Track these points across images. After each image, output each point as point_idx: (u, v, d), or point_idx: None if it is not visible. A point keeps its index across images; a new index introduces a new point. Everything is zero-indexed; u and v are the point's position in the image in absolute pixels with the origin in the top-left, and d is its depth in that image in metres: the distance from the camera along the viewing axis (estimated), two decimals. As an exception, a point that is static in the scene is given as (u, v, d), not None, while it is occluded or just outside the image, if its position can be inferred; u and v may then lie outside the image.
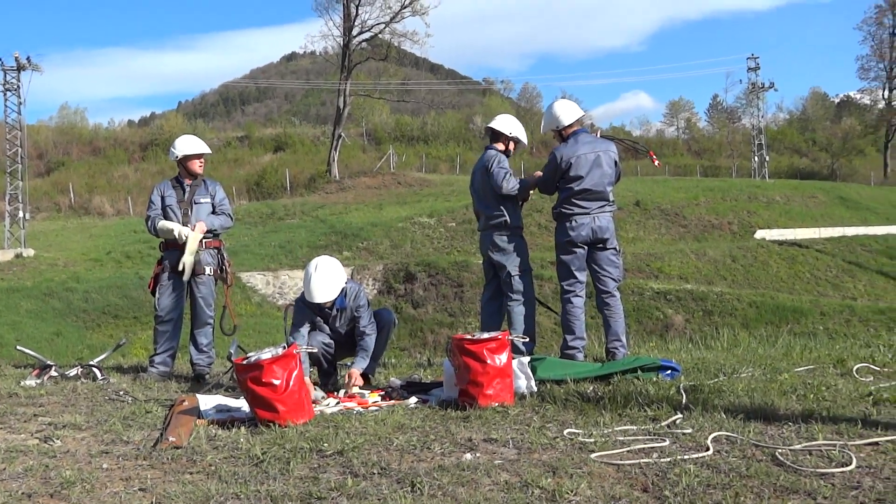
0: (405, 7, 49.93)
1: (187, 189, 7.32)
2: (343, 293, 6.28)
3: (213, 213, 7.35)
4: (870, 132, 73.55)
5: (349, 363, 6.54)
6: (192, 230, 7.09)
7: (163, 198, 7.29)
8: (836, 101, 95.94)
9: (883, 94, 71.92)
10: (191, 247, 7.05)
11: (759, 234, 43.89)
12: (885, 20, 69.59)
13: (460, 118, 76.63)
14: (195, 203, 7.28)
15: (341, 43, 51.34)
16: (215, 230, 7.32)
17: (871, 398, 4.82)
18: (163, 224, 7.15)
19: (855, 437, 3.97)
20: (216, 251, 7.38)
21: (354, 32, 50.63)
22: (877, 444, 3.84)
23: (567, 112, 6.85)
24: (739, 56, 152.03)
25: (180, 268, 7.06)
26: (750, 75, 69.66)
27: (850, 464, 3.51)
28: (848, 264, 40.56)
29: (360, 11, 50.26)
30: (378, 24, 50.85)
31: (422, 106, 71.07)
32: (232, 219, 7.50)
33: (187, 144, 7.33)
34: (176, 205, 7.25)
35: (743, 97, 78.45)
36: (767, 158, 66.77)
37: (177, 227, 7.09)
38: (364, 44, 52.69)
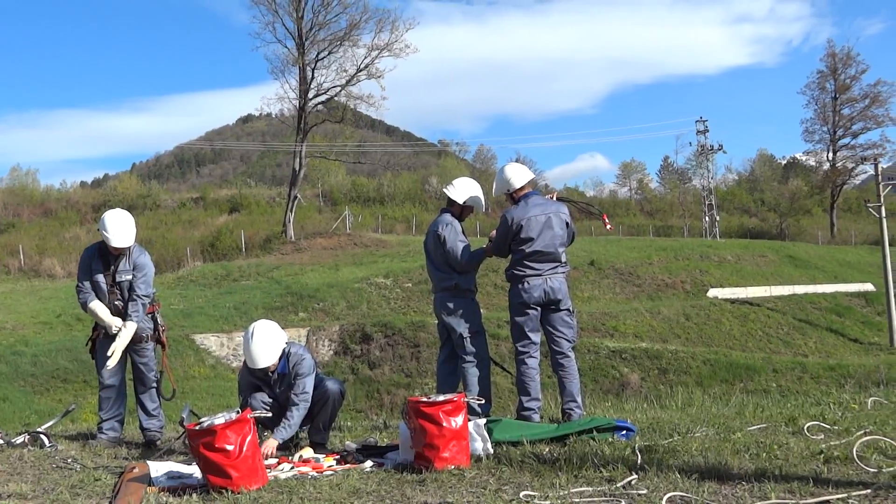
0: (361, 70, 50.52)
1: (112, 260, 7.01)
2: (286, 358, 6.21)
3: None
4: (816, 193, 75.27)
5: (304, 427, 6.47)
6: (123, 327, 6.87)
7: (90, 269, 7.04)
8: (783, 162, 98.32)
9: (827, 156, 73.84)
10: (120, 345, 6.88)
11: (712, 292, 44.46)
12: (827, 85, 71.76)
13: (416, 179, 77.14)
14: (118, 278, 6.97)
15: (297, 105, 51.66)
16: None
17: (823, 456, 4.88)
18: (93, 309, 6.90)
19: (807, 495, 4.02)
20: (150, 316, 7.25)
21: (310, 95, 51.04)
22: (828, 502, 3.89)
23: (518, 175, 6.96)
24: (689, 119, 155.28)
25: (109, 353, 6.86)
26: (699, 137, 71.34)
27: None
28: (798, 322, 41.19)
29: (315, 75, 50.78)
30: (334, 86, 51.37)
31: (378, 167, 71.46)
32: (147, 296, 7.04)
33: (113, 236, 6.84)
34: (102, 278, 6.96)
35: (693, 159, 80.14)
36: (718, 218, 67.99)
37: (107, 319, 6.85)
38: (320, 106, 53.09)
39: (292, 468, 5.49)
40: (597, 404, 8.66)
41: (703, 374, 32.54)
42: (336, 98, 52.36)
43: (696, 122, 71.61)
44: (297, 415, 6.07)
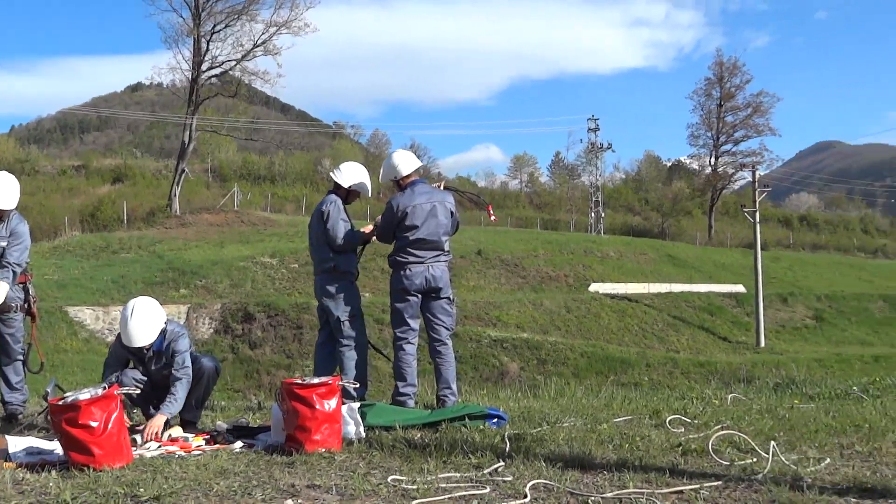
0: (257, 46, 49.52)
1: None
2: (162, 335, 6.09)
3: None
4: (697, 195, 77.94)
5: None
6: None
7: None
8: (669, 164, 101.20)
9: (710, 161, 76.47)
10: None
11: (593, 287, 45.53)
12: (713, 92, 74.30)
13: (309, 160, 76.29)
14: None
15: (190, 77, 50.27)
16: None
17: (681, 448, 5.08)
18: None
19: (662, 485, 4.17)
20: (22, 286, 6.97)
21: (204, 67, 49.75)
22: (681, 492, 4.05)
23: (405, 162, 6.99)
24: (581, 116, 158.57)
25: None
26: (590, 135, 72.94)
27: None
28: (673, 319, 42.62)
29: (210, 47, 49.51)
30: (229, 60, 50.21)
31: (270, 145, 70.19)
32: (19, 265, 6.72)
33: None
34: None
35: (583, 156, 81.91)
36: (603, 215, 69.68)
37: None
38: (214, 79, 51.84)
39: (159, 447, 5.40)
40: (473, 392, 8.78)
41: (580, 365, 33.36)
42: (230, 72, 51.22)
43: (588, 119, 73.30)
44: (181, 389, 5.97)
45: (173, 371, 6.03)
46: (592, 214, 69.83)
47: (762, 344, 40.41)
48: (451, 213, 6.90)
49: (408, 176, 6.93)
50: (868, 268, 66.10)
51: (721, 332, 42.62)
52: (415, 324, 6.82)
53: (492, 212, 7.67)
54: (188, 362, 6.10)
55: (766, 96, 73.16)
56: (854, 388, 8.19)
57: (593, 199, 70.67)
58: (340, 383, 5.50)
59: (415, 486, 4.17)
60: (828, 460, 4.68)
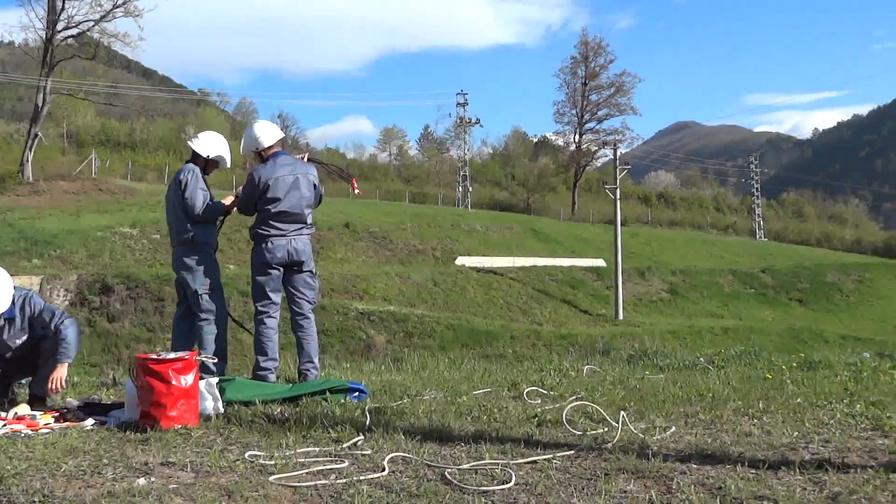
0: (117, 7, 47.38)
1: None
2: (12, 303, 5.81)
3: None
4: (562, 171, 79.75)
5: (23, 382, 6.09)
6: None
7: None
8: (535, 140, 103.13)
9: (574, 138, 78.28)
10: None
11: (460, 260, 46.06)
12: (578, 71, 76.00)
13: (172, 127, 73.95)
14: None
15: (44, 37, 47.68)
16: None
17: (537, 419, 5.22)
18: None
19: (518, 456, 4.28)
20: None
21: (59, 27, 47.24)
22: (535, 462, 4.17)
23: (266, 133, 6.85)
24: (450, 91, 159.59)
25: None
26: (459, 110, 73.37)
27: (510, 481, 3.78)
28: (537, 292, 43.58)
29: (66, 6, 47.00)
30: (87, 21, 47.81)
31: (131, 111, 67.53)
32: None
33: None
34: None
35: (452, 130, 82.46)
36: (471, 189, 70.39)
37: None
38: (70, 40, 49.33)
39: (4, 426, 5.16)
40: (337, 366, 8.76)
41: (446, 338, 33.73)
42: (88, 33, 48.88)
43: (457, 94, 73.65)
44: (69, 332, 5.74)
45: (52, 326, 5.78)
46: (460, 188, 70.46)
47: (621, 316, 41.83)
48: (315, 185, 6.83)
49: (270, 147, 6.80)
50: (719, 244, 69.30)
51: (582, 305, 43.87)
52: (276, 297, 6.73)
53: (356, 185, 7.63)
54: (57, 310, 5.88)
55: (628, 76, 75.42)
56: (701, 359, 8.60)
57: (461, 173, 71.28)
58: (198, 358, 5.39)
59: (272, 462, 4.14)
60: (673, 428, 4.91)
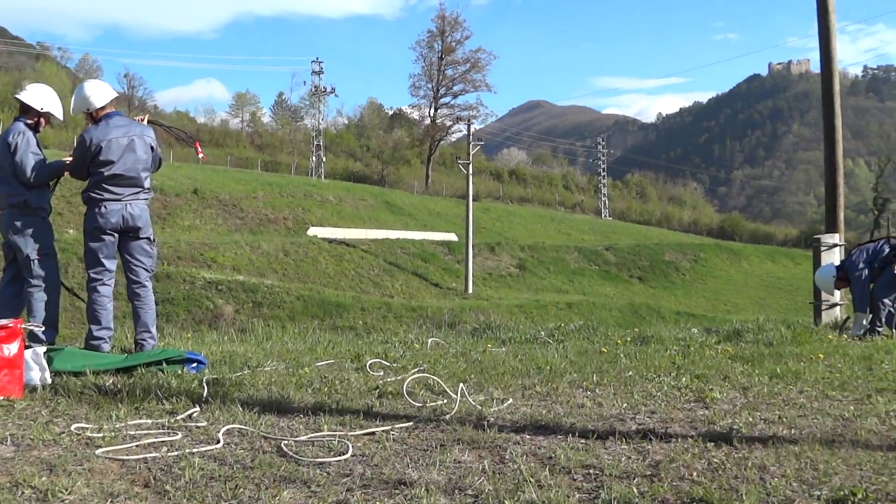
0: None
1: None
2: None
3: None
4: (416, 145, 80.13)
5: None
6: None
7: None
8: (391, 112, 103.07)
9: (429, 112, 78.70)
10: None
11: (312, 230, 45.66)
12: (435, 45, 76.37)
13: (7, 82, 69.62)
14: None
15: None
16: None
17: (378, 391, 5.24)
18: None
19: (356, 427, 4.28)
20: None
21: None
22: (373, 433, 4.18)
23: (98, 93, 6.52)
24: (306, 58, 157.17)
25: None
26: (314, 78, 72.40)
27: (347, 452, 3.78)
28: (389, 265, 43.75)
29: None
30: None
31: (-41, 62, 63.22)
32: None
33: None
34: None
35: (307, 98, 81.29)
36: (325, 159, 69.74)
37: None
38: None
39: None
40: (178, 336, 8.52)
41: (297, 309, 33.44)
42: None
43: (313, 62, 72.65)
44: None
45: None
46: (314, 158, 69.66)
47: (470, 290, 42.54)
48: (152, 147, 6.55)
49: (102, 108, 6.47)
50: (567, 221, 71.41)
51: (433, 278, 44.34)
52: (111, 264, 6.45)
53: (200, 149, 7.37)
54: None
55: (483, 53, 76.38)
56: (542, 333, 8.84)
57: (315, 142, 70.46)
58: (23, 326, 5.12)
59: (101, 434, 3.99)
60: (510, 400, 5.03)
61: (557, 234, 62.92)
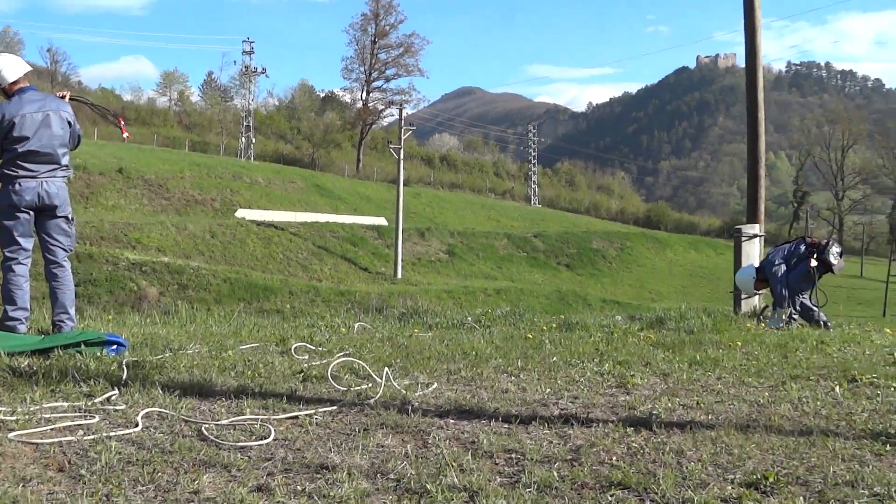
0: None
1: None
2: None
3: None
4: (348, 128, 79.67)
5: None
6: None
7: None
8: (322, 95, 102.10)
9: (361, 96, 78.27)
10: None
11: (240, 212, 45.11)
12: (368, 28, 75.86)
13: (-81, 52, 67.11)
14: None
15: None
16: None
17: (302, 375, 5.20)
18: None
19: (280, 411, 4.25)
20: None
21: None
22: (297, 417, 4.15)
23: (10, 67, 6.30)
24: (236, 37, 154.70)
25: None
26: (245, 58, 71.38)
27: (269, 436, 3.75)
28: (318, 248, 43.48)
29: None
30: None
31: None
32: None
33: None
34: None
35: (237, 78, 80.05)
36: (254, 140, 68.88)
37: None
38: None
39: None
40: (99, 317, 8.33)
41: (223, 291, 33.04)
42: None
43: (244, 42, 71.65)
44: None
45: None
46: (243, 139, 68.73)
47: (399, 275, 42.54)
48: (69, 123, 6.36)
49: (15, 82, 6.25)
50: (497, 208, 71.82)
51: (362, 262, 44.21)
52: (27, 243, 6.25)
53: (124, 128, 7.20)
54: None
55: (417, 38, 76.23)
56: (469, 318, 8.87)
57: (245, 123, 69.49)
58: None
59: (14, 417, 3.88)
60: (435, 385, 5.04)
61: (487, 220, 63.24)
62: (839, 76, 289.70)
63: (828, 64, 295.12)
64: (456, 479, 3.14)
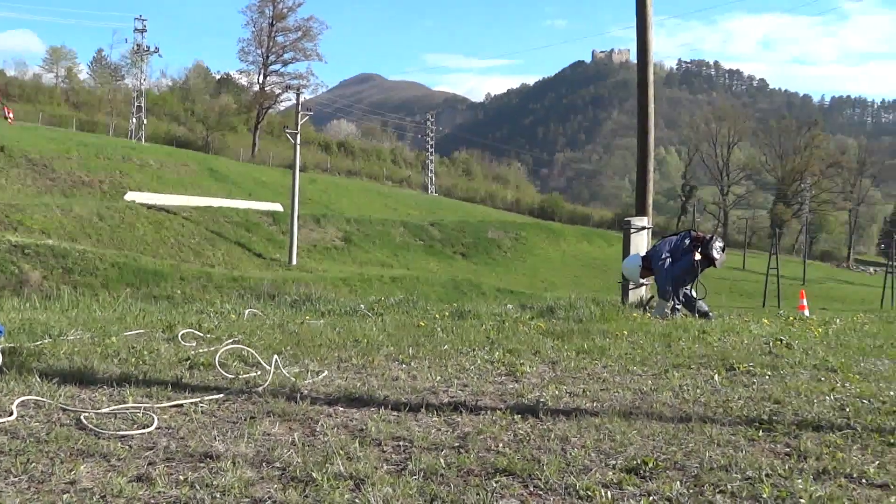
0: None
1: None
2: None
3: None
4: (244, 112, 78.20)
5: None
6: None
7: None
8: (218, 77, 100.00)
9: (258, 79, 76.94)
10: None
11: (130, 195, 43.82)
12: (266, 10, 74.59)
13: None
14: None
15: None
16: None
17: (189, 362, 5.10)
18: None
19: (164, 399, 4.16)
20: None
21: None
22: (181, 405, 4.07)
23: None
24: (128, 14, 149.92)
25: None
26: (137, 36, 69.23)
27: (152, 425, 3.66)
28: (211, 233, 42.62)
29: None
30: None
31: None
32: None
33: None
34: None
35: (128, 57, 77.65)
36: (146, 121, 66.98)
37: None
38: None
39: None
40: (-26, 302, 7.99)
41: (111, 276, 32.07)
42: None
43: (136, 19, 69.45)
44: None
45: None
46: (134, 120, 66.73)
47: (294, 262, 42.07)
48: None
49: None
50: (394, 196, 71.73)
51: (257, 248, 43.55)
52: None
53: (9, 109, 6.88)
54: None
55: (315, 22, 75.51)
56: (362, 305, 8.85)
57: (136, 103, 67.44)
58: None
59: None
60: (325, 373, 5.01)
61: (384, 208, 63.11)
62: (727, 75, 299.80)
63: (717, 63, 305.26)
64: (343, 467, 3.13)
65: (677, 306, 9.41)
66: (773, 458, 3.43)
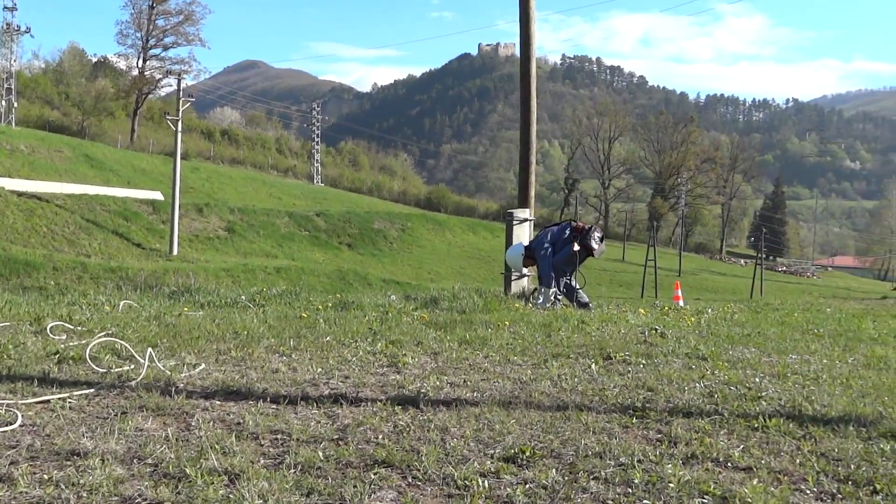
0: None
1: None
2: None
3: None
4: (122, 96, 75.61)
5: None
6: None
7: None
8: (94, 60, 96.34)
9: (137, 63, 74.51)
10: None
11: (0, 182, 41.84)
12: (146, -8, 72.17)
13: None
14: None
15: None
16: None
17: (57, 356, 4.91)
18: None
19: (29, 395, 3.99)
20: None
21: None
22: (48, 401, 3.91)
23: None
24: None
25: None
26: (6, 15, 65.99)
27: (15, 422, 3.50)
28: (86, 222, 41.12)
29: None
30: None
31: None
32: None
33: None
34: None
35: (-3, 36, 73.91)
36: (16, 105, 64.07)
37: None
38: None
39: None
40: None
41: (-23, 267, 30.61)
42: None
43: (5, -3, 66.14)
44: None
45: None
46: (3, 103, 63.66)
47: (175, 252, 41.01)
48: None
49: None
50: (279, 185, 70.73)
51: (136, 238, 42.26)
52: None
53: None
54: None
55: (198, 6, 73.43)
56: (243, 297, 8.69)
57: (6, 85, 64.36)
58: None
59: None
60: (203, 366, 4.90)
61: (269, 197, 62.17)
62: (608, 71, 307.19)
63: (598, 59, 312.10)
64: (217, 463, 3.06)
65: (559, 297, 9.60)
66: (645, 444, 3.53)
